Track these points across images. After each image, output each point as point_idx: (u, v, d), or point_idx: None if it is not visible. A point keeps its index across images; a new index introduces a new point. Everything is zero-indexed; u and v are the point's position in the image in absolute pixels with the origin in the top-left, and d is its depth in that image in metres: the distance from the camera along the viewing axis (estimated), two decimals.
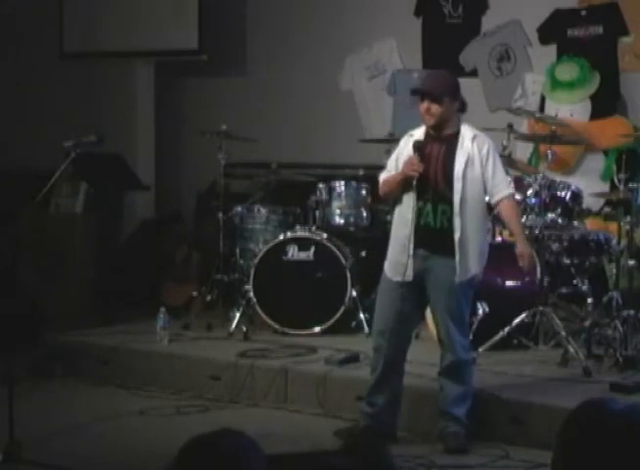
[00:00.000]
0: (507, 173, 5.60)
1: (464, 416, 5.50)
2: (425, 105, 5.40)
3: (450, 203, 5.34)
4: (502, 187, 5.45)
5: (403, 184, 5.41)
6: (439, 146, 5.43)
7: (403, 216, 5.44)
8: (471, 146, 5.38)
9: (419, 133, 5.52)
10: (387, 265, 5.56)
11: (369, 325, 7.17)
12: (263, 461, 2.16)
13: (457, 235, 5.33)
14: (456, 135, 5.42)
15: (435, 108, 5.37)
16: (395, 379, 5.60)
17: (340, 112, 8.90)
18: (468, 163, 5.35)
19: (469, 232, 5.35)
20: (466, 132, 5.43)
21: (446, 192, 5.35)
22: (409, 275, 5.40)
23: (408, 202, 5.41)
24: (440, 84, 5.47)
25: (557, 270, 6.79)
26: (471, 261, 5.39)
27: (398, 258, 5.45)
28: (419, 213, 5.39)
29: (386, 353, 5.54)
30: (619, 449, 2.03)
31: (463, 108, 5.51)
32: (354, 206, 7.46)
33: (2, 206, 8.18)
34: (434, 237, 5.38)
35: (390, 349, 5.52)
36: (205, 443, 2.13)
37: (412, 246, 5.38)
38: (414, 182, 5.37)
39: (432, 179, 5.38)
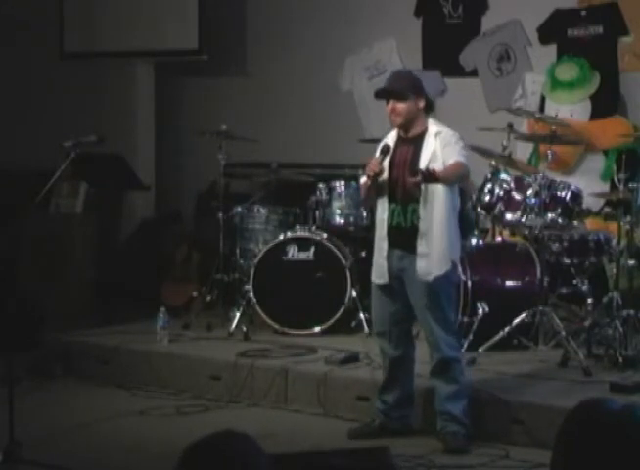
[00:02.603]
0: (464, 154, 5.40)
1: (461, 414, 5.49)
2: (390, 104, 5.47)
3: (418, 201, 5.40)
4: (453, 156, 5.35)
5: (374, 187, 5.50)
6: (407, 147, 5.50)
7: (379, 219, 5.58)
8: (434, 142, 5.41)
9: (391, 137, 5.59)
10: (372, 269, 5.67)
11: (369, 325, 7.17)
12: (266, 463, 2.16)
13: (423, 232, 5.38)
14: (422, 134, 5.47)
15: (401, 106, 5.44)
16: (404, 377, 5.63)
17: (340, 112, 8.90)
18: (432, 158, 5.38)
19: (436, 227, 5.38)
20: (431, 130, 5.47)
21: (414, 191, 5.40)
22: (385, 277, 5.51)
23: (382, 204, 5.54)
24: (404, 83, 5.54)
25: (557, 270, 6.79)
26: (442, 256, 5.40)
27: (377, 261, 5.59)
28: (392, 215, 5.49)
29: (389, 353, 5.63)
30: (618, 449, 2.03)
31: (429, 107, 5.56)
32: (354, 206, 7.46)
33: (2, 206, 8.18)
34: (406, 236, 5.45)
35: (392, 348, 5.61)
36: (209, 444, 2.13)
37: (386, 247, 5.51)
38: (379, 182, 5.46)
39: (400, 180, 5.46)
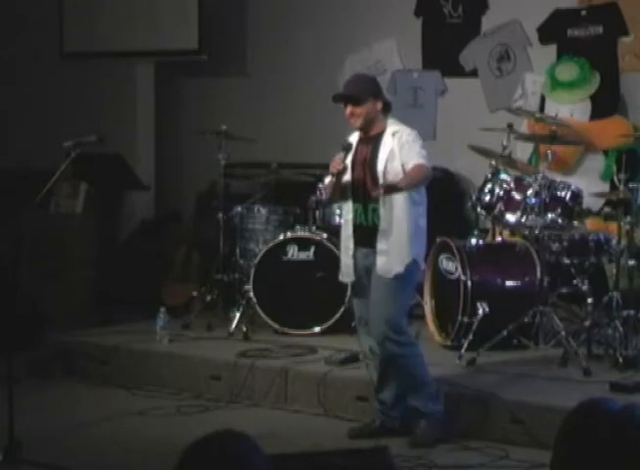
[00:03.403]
0: (422, 153, 5.40)
1: (425, 403, 5.52)
2: (348, 109, 5.54)
3: (379, 201, 5.45)
4: (415, 158, 5.37)
5: (338, 186, 5.57)
6: (367, 147, 5.55)
7: (345, 219, 5.67)
8: (391, 141, 5.46)
9: (354, 136, 5.66)
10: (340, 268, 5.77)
11: None
12: (266, 463, 2.16)
13: (382, 230, 5.44)
14: (381, 134, 5.52)
15: (359, 110, 5.50)
16: (396, 374, 5.63)
17: (340, 112, 8.87)
18: (389, 157, 5.43)
19: (396, 226, 5.42)
20: (389, 129, 5.51)
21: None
22: (350, 275, 5.61)
23: (347, 204, 5.62)
24: (360, 86, 5.60)
25: (557, 270, 6.78)
26: (402, 253, 5.43)
27: (344, 260, 5.68)
28: (355, 214, 5.57)
29: (376, 352, 5.63)
30: (617, 450, 2.04)
31: (387, 107, 5.59)
32: None
33: (2, 206, 8.18)
34: (368, 235, 5.51)
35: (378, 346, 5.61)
36: (208, 444, 2.13)
37: (352, 246, 5.59)
38: (343, 183, 5.53)
39: (361, 180, 5.54)
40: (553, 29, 8.08)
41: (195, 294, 7.98)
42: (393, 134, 5.48)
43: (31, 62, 9.80)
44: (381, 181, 5.41)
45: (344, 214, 5.69)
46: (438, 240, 6.98)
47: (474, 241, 6.92)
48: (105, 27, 9.39)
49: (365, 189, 5.52)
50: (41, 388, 6.85)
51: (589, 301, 6.65)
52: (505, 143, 7.07)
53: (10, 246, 6.40)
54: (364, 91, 5.55)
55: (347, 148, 5.57)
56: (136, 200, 9.30)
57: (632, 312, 6.34)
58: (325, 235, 7.39)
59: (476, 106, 8.37)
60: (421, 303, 7.24)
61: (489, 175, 6.87)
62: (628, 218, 6.50)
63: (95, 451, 5.61)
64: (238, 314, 7.31)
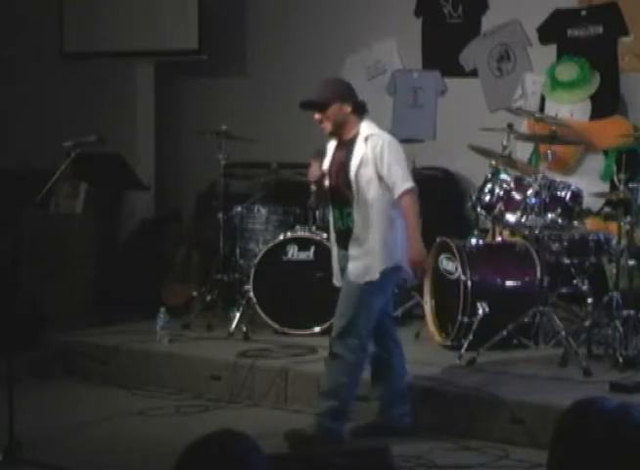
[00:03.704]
0: (403, 166, 5.41)
1: (324, 413, 5.47)
2: (315, 116, 5.48)
3: (352, 205, 5.44)
4: (399, 183, 5.36)
5: (321, 192, 5.63)
6: (342, 152, 5.52)
7: (330, 223, 5.68)
8: (364, 146, 5.40)
9: (333, 142, 5.62)
10: None
11: None
12: (265, 463, 2.16)
13: (355, 236, 5.41)
14: (354, 138, 5.47)
15: (325, 115, 5.44)
16: (389, 374, 5.67)
17: None
18: (362, 163, 5.38)
19: (369, 233, 5.38)
20: (362, 134, 5.45)
21: (348, 195, 5.44)
22: (339, 279, 5.60)
23: (329, 208, 5.65)
24: (326, 92, 5.51)
25: (557, 270, 6.78)
26: (373, 262, 5.38)
27: (333, 264, 5.68)
28: (334, 218, 5.59)
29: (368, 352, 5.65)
30: (611, 449, 2.04)
31: (361, 110, 5.53)
32: None
33: (2, 206, 8.18)
34: (345, 238, 5.50)
35: (370, 346, 5.62)
36: (207, 444, 2.13)
37: (335, 250, 5.61)
38: (325, 187, 5.56)
39: (336, 185, 5.52)
40: (553, 29, 8.08)
41: (195, 294, 7.98)
42: (366, 139, 5.42)
43: (31, 62, 9.80)
44: (353, 186, 5.37)
45: (329, 218, 5.70)
46: (438, 240, 6.98)
47: (474, 241, 6.92)
48: (105, 27, 9.39)
49: (339, 192, 5.49)
50: (41, 388, 6.85)
51: (589, 301, 6.65)
52: (505, 143, 7.07)
53: (10, 246, 6.40)
54: (328, 95, 5.47)
55: (320, 154, 5.56)
56: (136, 200, 9.30)
57: (632, 312, 6.34)
58: (325, 235, 7.38)
59: (476, 106, 8.37)
60: (421, 303, 7.25)
61: (489, 175, 6.87)
62: (628, 218, 6.49)
63: (95, 451, 5.61)
64: (238, 314, 7.31)
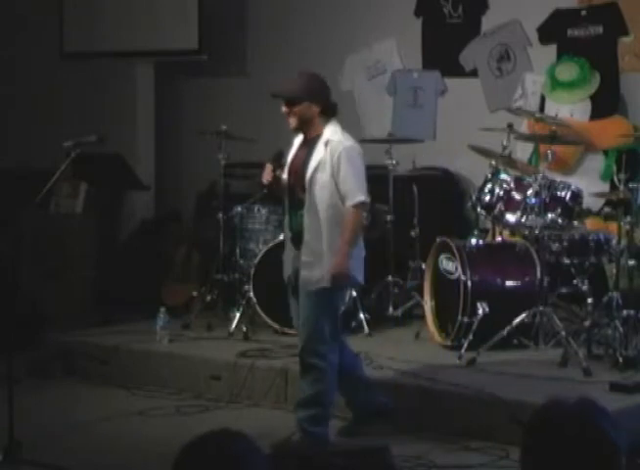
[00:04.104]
0: (359, 178, 5.30)
1: (304, 420, 5.41)
2: (283, 108, 5.41)
3: (303, 207, 5.39)
4: (350, 194, 5.27)
5: (275, 193, 5.61)
6: (304, 151, 5.45)
7: (283, 223, 5.65)
8: (323, 150, 5.31)
9: (299, 139, 5.57)
10: None
11: (369, 325, 7.19)
12: (264, 463, 2.16)
13: (307, 241, 5.35)
14: (316, 139, 5.39)
15: (292, 110, 5.37)
16: (342, 363, 5.59)
17: (340, 112, 8.86)
18: (319, 167, 5.29)
19: (319, 238, 5.31)
20: (324, 136, 5.36)
21: (302, 197, 5.38)
22: (291, 278, 5.54)
23: (285, 208, 5.60)
24: (297, 88, 5.41)
25: (557, 270, 6.78)
26: (324, 269, 5.29)
27: (287, 266, 5.62)
28: (289, 218, 5.53)
29: None
30: (577, 450, 2.06)
31: (330, 111, 5.44)
32: None
33: (2, 206, 8.18)
34: (298, 240, 5.43)
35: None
36: (205, 443, 2.13)
37: (288, 251, 5.54)
38: (281, 187, 5.52)
39: (293, 184, 5.46)
40: (553, 29, 8.08)
41: (195, 294, 7.98)
42: (326, 144, 5.32)
43: (31, 62, 9.80)
44: (307, 189, 5.32)
45: (284, 218, 5.66)
46: (438, 240, 6.98)
47: (474, 241, 6.91)
48: (105, 27, 9.39)
49: (295, 194, 5.43)
50: (41, 388, 6.85)
51: (589, 301, 6.65)
52: (505, 143, 7.07)
53: (10, 246, 6.40)
54: (300, 92, 5.37)
55: (277, 157, 5.53)
56: (136, 200, 9.30)
57: (632, 312, 6.34)
58: None
59: (476, 106, 8.37)
60: (421, 303, 7.25)
61: (489, 175, 6.87)
62: (628, 218, 6.49)
63: (95, 451, 5.61)
64: (238, 314, 7.31)
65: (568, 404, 2.12)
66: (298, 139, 5.56)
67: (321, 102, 5.37)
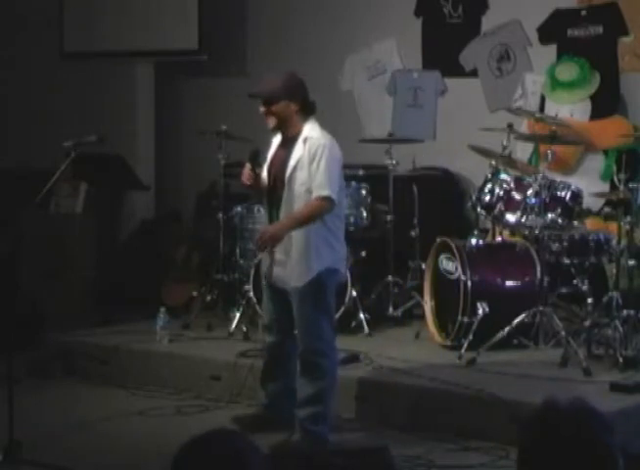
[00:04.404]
0: (331, 175, 5.29)
1: (305, 419, 5.44)
2: (260, 109, 5.44)
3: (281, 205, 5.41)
4: (318, 188, 5.28)
5: (256, 192, 5.67)
6: (283, 150, 5.47)
7: (265, 220, 5.65)
8: (302, 148, 5.34)
9: (278, 138, 5.59)
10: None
11: (369, 325, 7.18)
12: (263, 462, 2.16)
13: (283, 243, 5.35)
14: (295, 137, 5.41)
15: (270, 109, 5.39)
16: (282, 366, 5.66)
17: (340, 112, 8.90)
18: (298, 165, 5.33)
19: (298, 240, 5.32)
20: (303, 134, 5.38)
21: (282, 195, 5.41)
22: (270, 277, 5.55)
23: (265, 207, 5.63)
24: (275, 87, 5.43)
25: (557, 270, 6.78)
26: (301, 267, 5.33)
27: (264, 261, 5.64)
28: (269, 217, 5.53)
29: (267, 340, 5.75)
30: (579, 445, 2.06)
31: (308, 110, 5.45)
32: (354, 206, 7.44)
33: (2, 206, 8.18)
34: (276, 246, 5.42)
35: (272, 335, 5.70)
36: (204, 443, 2.13)
37: (271, 249, 5.48)
38: (255, 187, 5.57)
39: (274, 183, 5.48)
40: (553, 29, 8.08)
41: (195, 294, 7.98)
42: (305, 141, 5.34)
43: (31, 62, 9.80)
44: (287, 186, 5.35)
45: (264, 218, 5.69)
46: (438, 240, 6.98)
47: (474, 241, 6.91)
48: (105, 27, 9.39)
49: (276, 192, 5.44)
50: (41, 388, 6.85)
51: (589, 301, 6.65)
52: (505, 143, 7.07)
53: (10, 246, 6.40)
54: (278, 91, 5.39)
55: (254, 156, 5.56)
56: (136, 200, 9.30)
57: (632, 312, 6.33)
58: None
59: (476, 106, 8.37)
60: (421, 303, 7.25)
61: (489, 175, 6.87)
62: (628, 218, 6.49)
63: (95, 451, 5.61)
64: (238, 314, 7.31)
65: (563, 405, 2.12)
66: (277, 139, 5.58)
67: (299, 100, 5.40)
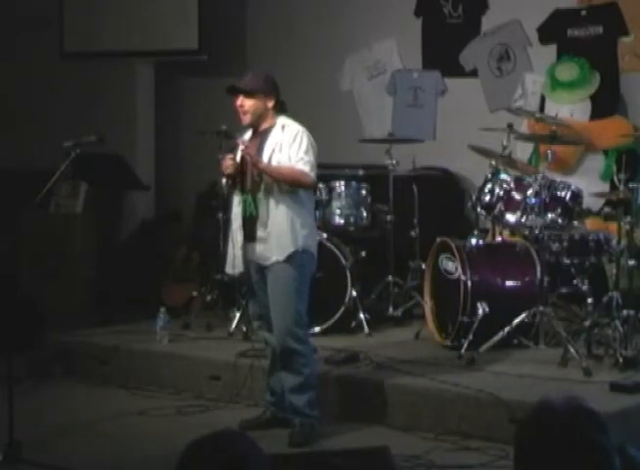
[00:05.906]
0: (311, 159, 5.55)
1: (304, 406, 5.58)
2: (238, 101, 5.65)
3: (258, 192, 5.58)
4: (302, 164, 5.52)
5: (236, 183, 5.71)
6: (256, 141, 5.66)
7: (234, 211, 5.77)
8: (281, 133, 5.58)
9: (248, 133, 5.76)
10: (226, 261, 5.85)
11: (369, 325, 7.18)
12: (265, 463, 2.16)
13: (263, 218, 5.53)
14: (269, 129, 5.64)
15: (248, 103, 5.61)
16: (289, 368, 5.70)
17: (340, 112, 8.90)
18: (276, 149, 5.55)
19: (275, 213, 5.51)
20: (279, 123, 5.63)
21: (259, 181, 5.59)
22: (239, 266, 5.69)
23: (237, 197, 5.74)
24: (253, 82, 5.70)
25: (557, 270, 6.78)
26: (282, 242, 5.50)
27: (232, 252, 5.73)
28: (244, 205, 5.67)
29: (269, 341, 5.79)
30: (571, 450, 2.07)
31: (281, 108, 5.71)
32: (354, 206, 7.45)
33: (2, 206, 8.18)
34: (253, 226, 5.60)
35: (271, 336, 5.72)
36: (208, 444, 2.13)
37: (241, 238, 5.67)
38: (228, 177, 5.69)
39: (249, 172, 5.63)
40: (553, 29, 8.08)
41: (195, 294, 7.99)
42: (283, 127, 5.60)
43: (31, 62, 9.80)
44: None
45: (234, 207, 5.78)
46: (438, 240, 6.98)
47: (474, 241, 6.91)
48: (105, 27, 9.39)
49: (253, 179, 5.61)
50: (41, 388, 6.85)
51: (589, 301, 6.65)
52: (505, 143, 7.07)
53: (10, 246, 6.40)
54: (256, 86, 5.65)
55: (233, 147, 5.75)
56: (136, 200, 9.30)
57: (632, 312, 6.34)
58: (325, 235, 7.38)
59: (476, 106, 8.37)
60: (421, 302, 7.25)
61: (489, 175, 6.87)
62: (628, 218, 6.49)
63: (95, 451, 5.61)
64: (238, 314, 7.31)
65: (557, 405, 2.12)
66: (247, 135, 5.77)
67: (274, 97, 5.66)
